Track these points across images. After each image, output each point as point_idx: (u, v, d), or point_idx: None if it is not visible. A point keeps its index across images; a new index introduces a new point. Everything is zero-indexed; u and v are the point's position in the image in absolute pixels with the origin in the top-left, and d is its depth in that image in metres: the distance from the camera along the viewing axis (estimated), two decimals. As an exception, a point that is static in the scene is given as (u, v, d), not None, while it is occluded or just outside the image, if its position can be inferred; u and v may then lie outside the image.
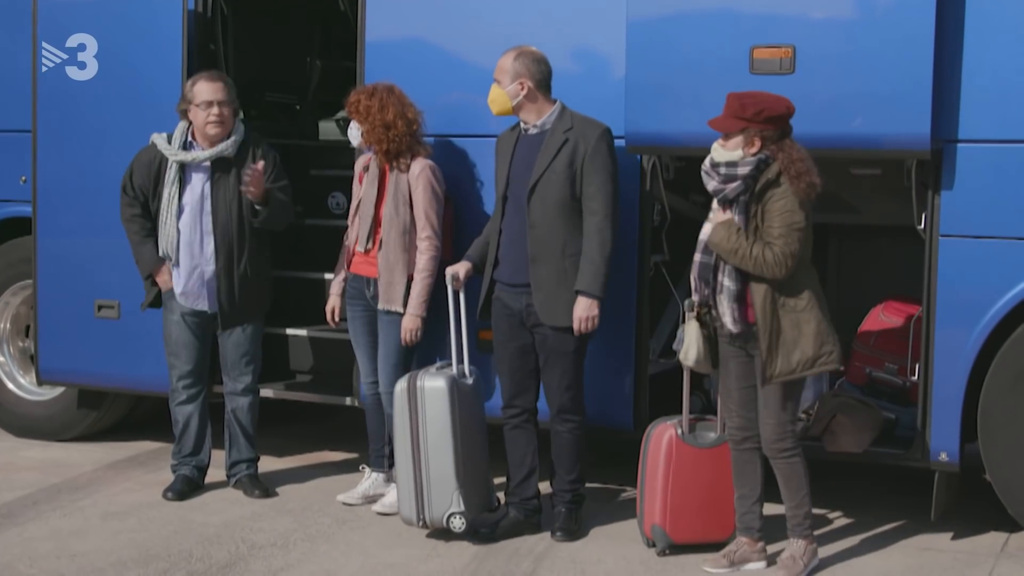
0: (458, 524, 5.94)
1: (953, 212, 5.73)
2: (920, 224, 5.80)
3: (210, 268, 6.52)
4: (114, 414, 7.88)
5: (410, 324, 6.23)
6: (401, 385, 6.02)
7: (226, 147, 6.48)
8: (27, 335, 8.03)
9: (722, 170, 5.36)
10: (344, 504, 6.54)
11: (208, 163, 6.50)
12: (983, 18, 5.63)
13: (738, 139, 5.34)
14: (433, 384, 5.95)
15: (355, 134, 6.37)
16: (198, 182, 6.51)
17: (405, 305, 6.24)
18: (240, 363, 6.70)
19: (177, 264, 6.52)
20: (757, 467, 5.64)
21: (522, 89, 5.91)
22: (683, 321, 5.65)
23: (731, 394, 5.62)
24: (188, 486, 6.71)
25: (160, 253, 6.53)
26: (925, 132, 5.56)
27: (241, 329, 6.65)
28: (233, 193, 6.50)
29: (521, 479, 6.12)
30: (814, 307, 5.40)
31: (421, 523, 6.00)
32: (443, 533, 6.01)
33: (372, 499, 6.52)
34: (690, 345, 5.58)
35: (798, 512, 5.56)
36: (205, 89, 6.47)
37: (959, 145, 5.70)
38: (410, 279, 6.25)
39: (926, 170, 5.74)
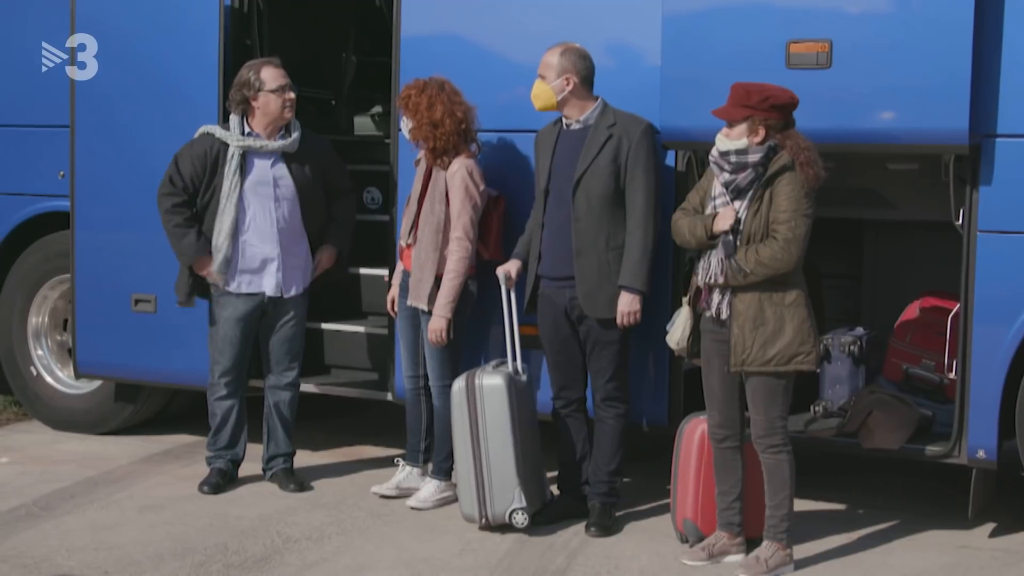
0: (520, 519, 5.95)
1: (991, 207, 5.68)
2: (958, 220, 5.75)
3: (275, 251, 6.54)
4: (150, 407, 7.93)
5: (435, 325, 6.21)
6: (459, 384, 6.03)
7: (293, 143, 6.56)
8: (65, 329, 8.09)
9: (732, 159, 5.38)
10: (378, 495, 6.56)
11: (272, 154, 6.55)
12: (1023, 10, 5.57)
13: (742, 127, 5.36)
14: (491, 382, 5.97)
15: (406, 128, 6.36)
16: (262, 168, 6.54)
17: (431, 303, 6.24)
18: (286, 358, 6.73)
19: (236, 250, 6.52)
20: (738, 465, 5.64)
21: (568, 85, 5.93)
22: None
23: (714, 391, 5.62)
24: (223, 479, 6.74)
25: (214, 241, 6.50)
26: (963, 127, 5.52)
27: (289, 325, 6.68)
28: (294, 179, 6.55)
29: (572, 465, 6.19)
30: (801, 304, 5.40)
31: (483, 520, 6.01)
32: (475, 527, 6.03)
33: (406, 491, 6.53)
34: (676, 327, 5.67)
35: (776, 513, 5.51)
36: (276, 74, 6.53)
37: (998, 140, 5.65)
38: (439, 279, 6.25)
39: (964, 165, 5.70)
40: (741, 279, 5.34)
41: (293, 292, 6.64)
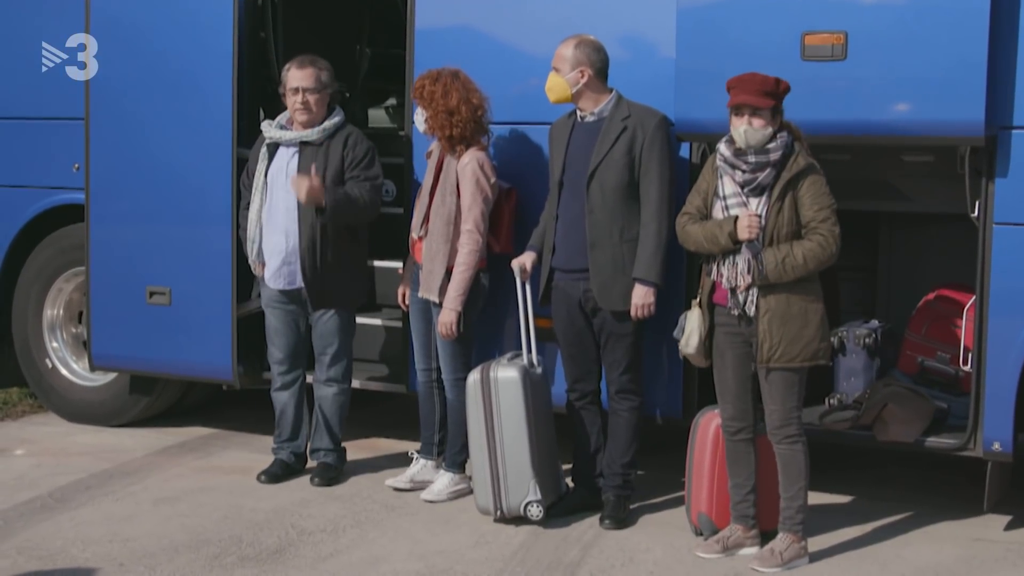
0: (535, 512, 5.95)
1: (1007, 199, 5.67)
2: (973, 212, 5.73)
3: (294, 244, 6.51)
4: (166, 400, 7.95)
5: (445, 318, 6.21)
6: (474, 376, 6.03)
7: (311, 133, 6.51)
8: (80, 321, 8.11)
9: (751, 158, 5.35)
10: (392, 488, 6.57)
11: (296, 144, 6.54)
12: (1039, 1, 5.56)
13: (768, 117, 5.35)
14: (506, 375, 5.97)
15: (420, 120, 6.34)
16: (282, 159, 6.56)
17: (442, 296, 6.23)
18: (322, 355, 6.70)
19: (263, 241, 6.57)
20: (751, 458, 5.63)
21: (582, 77, 5.92)
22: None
23: (727, 384, 5.61)
24: (284, 470, 6.77)
25: (248, 233, 6.58)
26: (979, 118, 5.50)
27: (326, 320, 6.63)
28: (299, 170, 6.49)
29: (587, 457, 6.19)
30: (820, 301, 5.43)
31: (498, 513, 6.01)
32: (489, 520, 6.04)
33: (420, 484, 6.54)
34: (691, 333, 5.62)
35: (791, 504, 5.52)
36: (294, 76, 6.52)
37: (1014, 132, 5.63)
38: (450, 271, 6.24)
39: (980, 157, 5.68)
40: (771, 279, 5.33)
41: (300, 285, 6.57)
